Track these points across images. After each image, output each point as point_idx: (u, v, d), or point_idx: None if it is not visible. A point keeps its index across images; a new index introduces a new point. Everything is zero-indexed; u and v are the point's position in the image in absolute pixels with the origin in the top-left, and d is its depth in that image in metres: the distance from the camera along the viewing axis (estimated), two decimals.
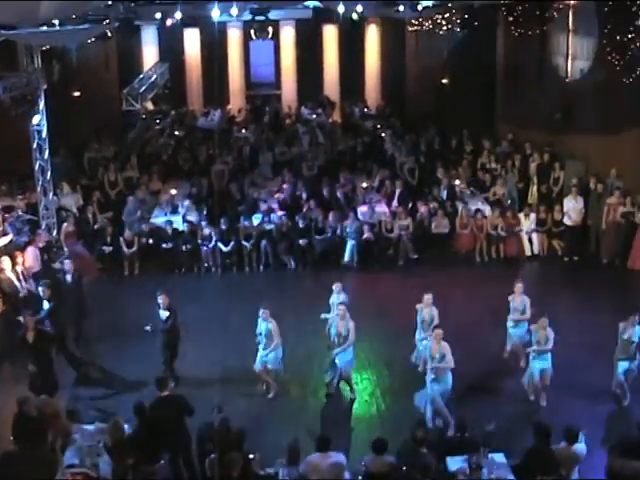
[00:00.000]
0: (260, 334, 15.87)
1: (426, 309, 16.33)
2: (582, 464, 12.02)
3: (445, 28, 32.37)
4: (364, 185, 26.66)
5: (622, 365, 15.35)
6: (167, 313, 16.30)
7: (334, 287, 17.19)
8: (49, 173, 22.24)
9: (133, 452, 11.88)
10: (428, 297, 16.37)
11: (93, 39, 29.31)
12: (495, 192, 25.49)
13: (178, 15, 29.99)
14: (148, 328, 16.39)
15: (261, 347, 15.91)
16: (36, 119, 21.25)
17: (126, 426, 12.53)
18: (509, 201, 25.31)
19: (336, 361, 15.82)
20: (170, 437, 12.46)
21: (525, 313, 16.58)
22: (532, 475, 11.30)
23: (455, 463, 11.92)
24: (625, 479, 11.22)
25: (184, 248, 23.08)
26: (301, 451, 11.87)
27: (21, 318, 15.89)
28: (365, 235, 23.23)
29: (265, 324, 15.81)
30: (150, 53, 38.77)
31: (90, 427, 13.15)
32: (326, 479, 11.37)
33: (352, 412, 15.74)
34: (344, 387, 16.26)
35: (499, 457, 12.07)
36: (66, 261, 18.52)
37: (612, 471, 11.52)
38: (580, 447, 11.89)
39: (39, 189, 22.16)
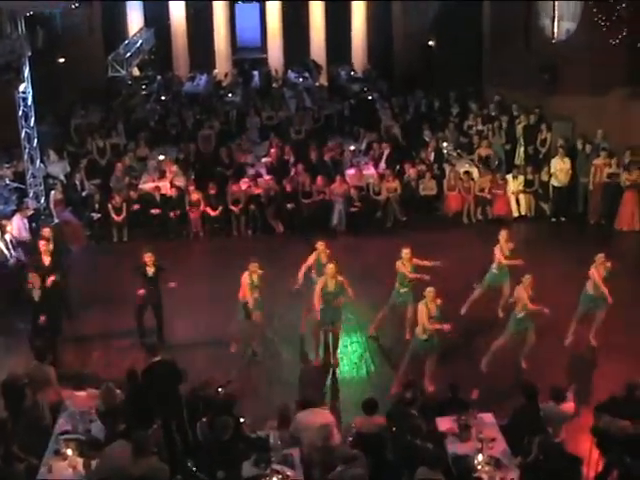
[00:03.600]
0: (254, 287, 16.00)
1: (407, 264, 16.39)
2: (569, 423, 12.17)
3: None
4: (352, 148, 26.69)
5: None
6: (153, 269, 16.46)
7: (318, 246, 17.04)
8: (35, 141, 22.16)
9: (125, 417, 11.97)
10: (407, 251, 16.37)
11: (77, 4, 29.12)
12: (480, 154, 25.50)
13: None
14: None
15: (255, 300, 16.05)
16: (21, 86, 21.15)
17: (118, 392, 12.61)
18: (496, 162, 25.36)
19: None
20: (162, 402, 12.54)
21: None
22: (520, 434, 11.43)
23: (445, 423, 12.06)
24: (610, 438, 11.36)
25: (172, 214, 23.11)
26: (291, 414, 12.01)
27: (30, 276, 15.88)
28: (351, 194, 23.35)
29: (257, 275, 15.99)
30: (135, 18, 38.70)
31: (82, 393, 13.23)
32: (314, 439, 11.47)
33: (339, 375, 15.87)
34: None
35: (488, 417, 12.21)
36: (41, 242, 18.24)
37: (598, 430, 11.67)
38: (567, 406, 12.03)
39: (26, 157, 22.05)
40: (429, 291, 14.56)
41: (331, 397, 15.05)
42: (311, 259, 16.87)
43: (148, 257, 16.46)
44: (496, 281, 17.25)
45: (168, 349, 15.73)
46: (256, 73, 39.22)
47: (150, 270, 16.48)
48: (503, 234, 17.30)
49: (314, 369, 16.04)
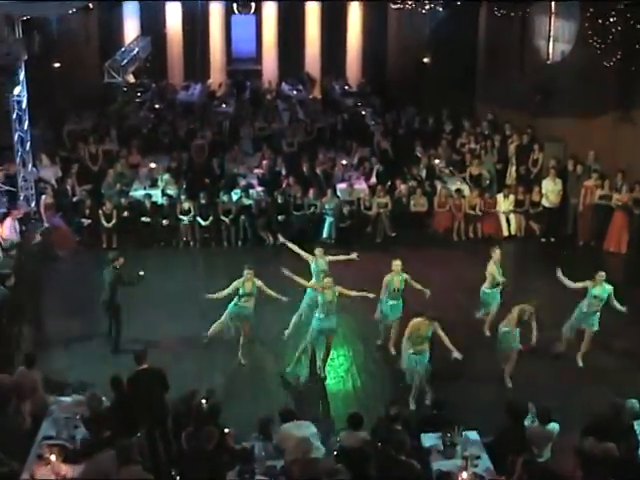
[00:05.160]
0: (244, 294, 16.07)
1: (396, 277, 16.47)
2: (554, 443, 12.19)
3: (428, 7, 32.36)
4: (343, 162, 26.69)
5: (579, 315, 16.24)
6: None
7: (317, 252, 17.31)
8: (28, 144, 22.19)
9: (110, 425, 11.94)
10: (397, 263, 16.51)
11: (74, 10, 29.15)
12: (471, 172, 25.56)
13: None
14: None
15: (240, 304, 16.16)
16: (16, 90, 21.16)
17: (104, 399, 12.58)
18: (487, 181, 25.41)
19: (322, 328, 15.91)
20: (147, 411, 12.51)
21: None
22: (505, 453, 11.44)
23: (429, 440, 12.07)
24: (595, 459, 11.37)
25: (163, 222, 23.10)
26: (275, 425, 12.00)
27: None
28: (342, 208, 23.42)
29: (253, 283, 16.12)
30: (131, 26, 38.71)
31: (67, 399, 13.21)
32: (295, 452, 11.42)
33: (327, 386, 15.93)
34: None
35: (473, 435, 12.22)
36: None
37: (582, 451, 11.67)
38: (552, 426, 12.05)
39: (18, 160, 22.09)
40: (427, 316, 14.64)
41: (316, 410, 15.01)
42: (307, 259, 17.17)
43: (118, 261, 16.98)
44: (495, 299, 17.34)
45: (153, 358, 15.77)
46: (249, 84, 39.31)
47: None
48: (497, 253, 17.35)
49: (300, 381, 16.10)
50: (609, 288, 16.03)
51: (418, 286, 16.50)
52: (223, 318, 16.36)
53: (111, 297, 16.92)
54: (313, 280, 16.94)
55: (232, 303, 16.20)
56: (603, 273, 16.06)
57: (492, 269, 17.14)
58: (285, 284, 16.87)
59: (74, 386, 14.67)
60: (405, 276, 16.50)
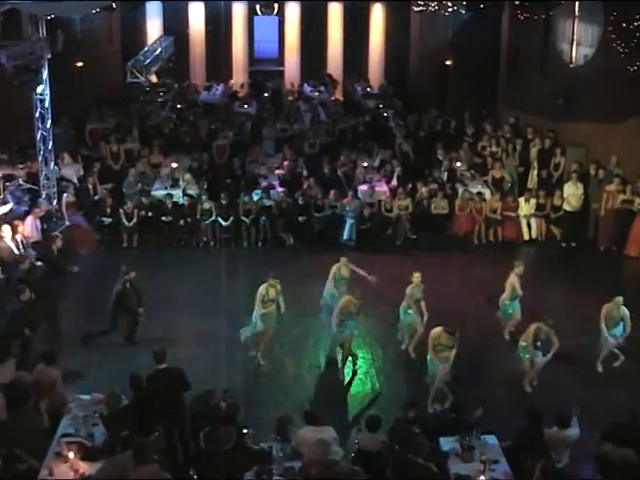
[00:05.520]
0: (268, 300, 16.16)
1: (417, 288, 16.56)
2: (574, 448, 12.15)
3: (450, 9, 32.32)
4: (364, 164, 26.65)
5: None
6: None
7: (342, 260, 17.48)
8: (51, 143, 22.28)
9: (128, 423, 11.96)
10: (417, 275, 16.64)
11: (98, 10, 29.28)
12: (493, 175, 25.48)
13: None
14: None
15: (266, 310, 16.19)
16: (39, 88, 21.25)
17: (122, 397, 12.59)
18: (509, 185, 25.31)
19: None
20: (166, 410, 12.52)
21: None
22: (523, 458, 11.40)
23: (447, 443, 12.04)
24: (613, 465, 11.32)
25: (183, 222, 23.14)
26: (295, 426, 12.00)
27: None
28: (363, 210, 23.39)
29: (275, 289, 16.22)
30: (154, 26, 38.84)
31: (86, 397, 13.24)
32: (313, 453, 11.43)
33: (348, 388, 15.94)
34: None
35: (491, 439, 12.18)
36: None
37: (600, 457, 11.63)
38: (572, 432, 12.00)
39: (40, 158, 22.20)
40: (446, 330, 14.66)
41: (335, 412, 14.99)
42: (333, 272, 17.28)
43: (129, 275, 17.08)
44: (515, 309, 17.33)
45: (172, 357, 15.80)
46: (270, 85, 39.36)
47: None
48: (520, 268, 17.26)
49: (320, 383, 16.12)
50: (624, 313, 15.98)
51: (423, 306, 16.59)
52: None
53: (115, 305, 17.02)
54: (332, 285, 17.07)
55: (255, 311, 16.26)
56: (621, 298, 15.96)
57: (513, 280, 17.08)
58: (301, 285, 16.92)
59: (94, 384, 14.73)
60: (422, 287, 16.61)
